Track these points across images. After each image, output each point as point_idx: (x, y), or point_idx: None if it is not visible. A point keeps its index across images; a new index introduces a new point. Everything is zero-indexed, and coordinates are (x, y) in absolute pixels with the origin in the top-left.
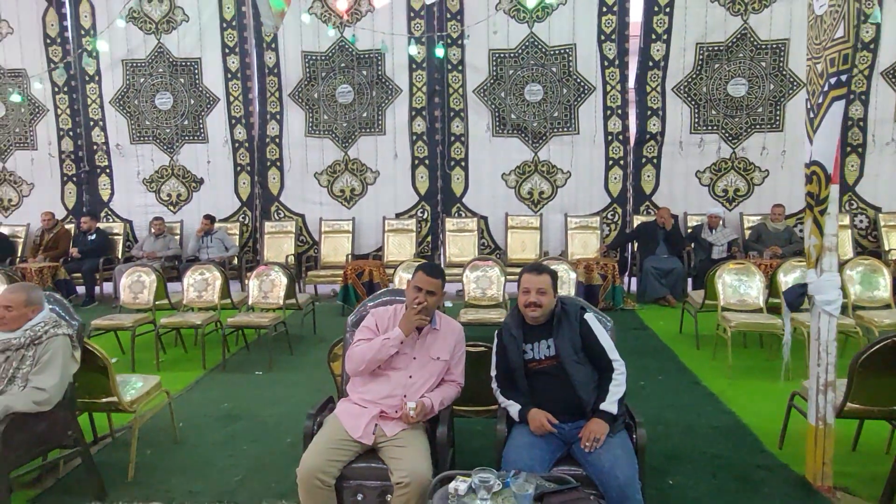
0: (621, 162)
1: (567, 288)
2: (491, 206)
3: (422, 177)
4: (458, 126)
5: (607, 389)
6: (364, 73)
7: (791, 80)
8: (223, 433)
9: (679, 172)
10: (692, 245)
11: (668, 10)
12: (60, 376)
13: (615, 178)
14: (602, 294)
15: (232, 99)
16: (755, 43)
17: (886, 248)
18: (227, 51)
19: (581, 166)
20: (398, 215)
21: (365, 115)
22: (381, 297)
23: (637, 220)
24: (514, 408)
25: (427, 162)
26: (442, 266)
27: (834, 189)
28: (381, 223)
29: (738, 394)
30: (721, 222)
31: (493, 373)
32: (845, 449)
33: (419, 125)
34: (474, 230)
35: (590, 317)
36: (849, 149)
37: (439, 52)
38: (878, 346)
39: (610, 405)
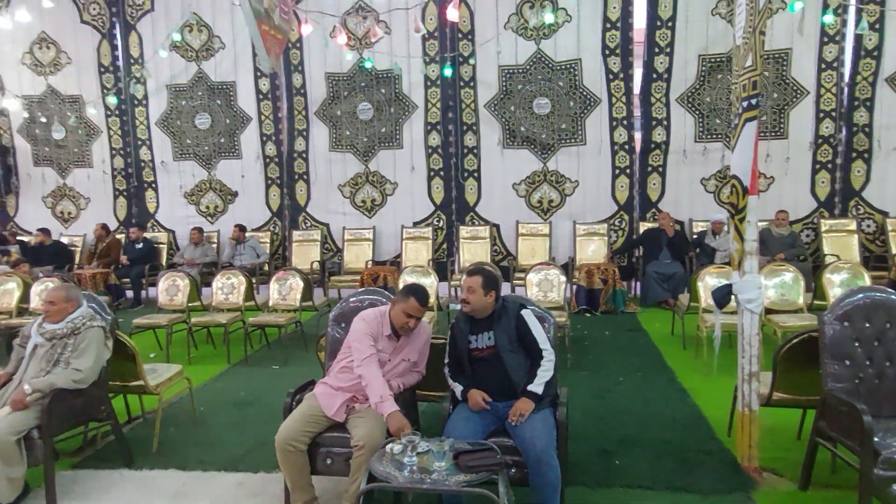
0: (627, 171)
1: (556, 291)
2: (502, 214)
3: (437, 187)
4: (470, 139)
5: (536, 374)
6: (382, 91)
7: (794, 88)
8: (236, 416)
9: (684, 180)
10: (696, 251)
11: (670, 23)
12: (95, 360)
13: (622, 187)
14: (603, 297)
15: (263, 118)
16: (762, 63)
17: (894, 253)
18: (258, 74)
19: (588, 175)
20: (415, 224)
21: (384, 130)
22: (360, 294)
23: (644, 227)
24: (458, 388)
25: (442, 173)
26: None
27: (752, 199)
28: (399, 231)
29: (707, 389)
30: (725, 228)
31: (446, 360)
32: (790, 436)
33: (434, 139)
34: (487, 237)
35: (526, 312)
36: (854, 154)
37: (447, 72)
38: (796, 340)
39: (536, 387)
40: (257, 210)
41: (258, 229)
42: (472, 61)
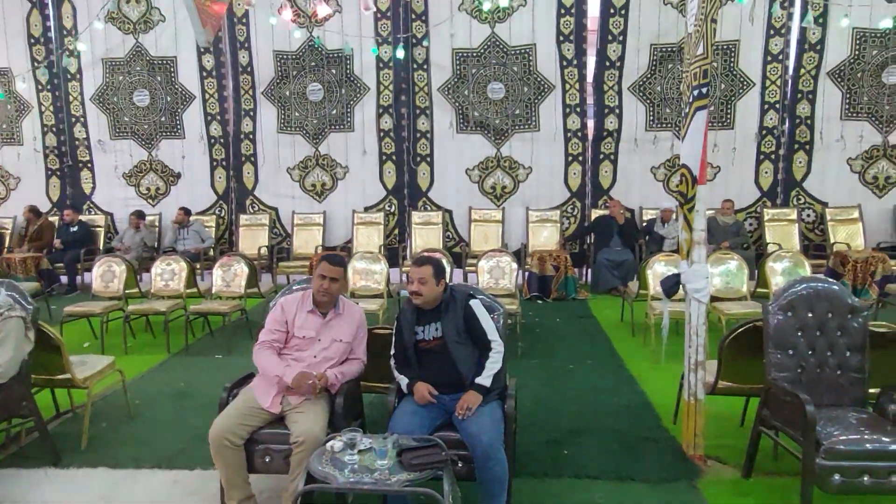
0: (580, 158)
1: (508, 278)
2: (455, 199)
3: (389, 172)
4: (423, 123)
5: (484, 366)
6: (333, 71)
7: (741, 79)
8: (174, 409)
9: (635, 168)
10: (646, 238)
11: (623, 12)
12: (13, 353)
13: (574, 174)
14: (555, 284)
15: (207, 96)
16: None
17: (832, 241)
18: (201, 50)
19: (542, 162)
20: (367, 209)
21: (335, 112)
22: (297, 284)
23: (595, 214)
24: (403, 381)
25: (394, 157)
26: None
27: (701, 189)
28: (350, 216)
29: (655, 376)
30: (674, 216)
31: (392, 351)
32: (734, 423)
33: (386, 122)
34: (439, 223)
35: (475, 303)
36: (797, 146)
37: (399, 53)
38: (740, 330)
39: (484, 379)
40: (202, 193)
41: (203, 213)
42: (425, 43)
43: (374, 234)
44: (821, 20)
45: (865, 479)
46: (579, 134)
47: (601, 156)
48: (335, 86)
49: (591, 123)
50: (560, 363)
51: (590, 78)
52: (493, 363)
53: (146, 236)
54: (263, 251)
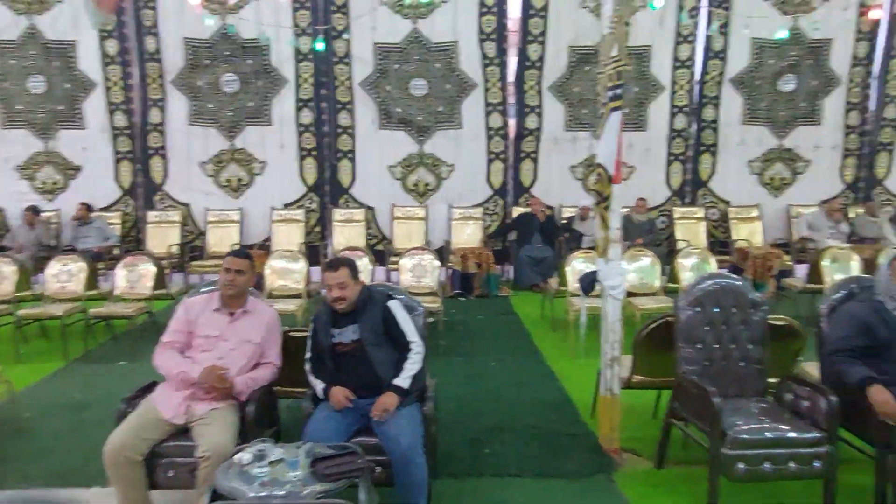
0: (502, 156)
1: (430, 276)
2: (378, 197)
3: (309, 168)
4: (345, 118)
5: (402, 367)
6: (249, 62)
7: (653, 83)
8: (70, 421)
9: (555, 167)
10: (566, 235)
11: (542, 13)
12: None
13: (496, 172)
14: (477, 282)
15: (111, 85)
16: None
17: (734, 238)
18: (104, 34)
19: (464, 160)
20: (286, 205)
21: (251, 104)
22: (204, 287)
23: (517, 212)
24: (319, 386)
25: (315, 153)
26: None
27: (616, 188)
28: (268, 213)
29: (574, 371)
30: (592, 214)
31: (307, 354)
32: (647, 415)
33: (306, 116)
34: (362, 220)
35: (393, 304)
36: (703, 147)
37: (319, 45)
38: (653, 325)
39: (402, 381)
40: (105, 187)
41: (107, 209)
42: (346, 36)
43: (294, 232)
44: (724, 30)
45: (767, 465)
46: (501, 132)
47: (522, 154)
48: (251, 77)
49: (512, 122)
50: (482, 360)
51: (511, 77)
52: (413, 364)
53: (42, 234)
54: (174, 250)
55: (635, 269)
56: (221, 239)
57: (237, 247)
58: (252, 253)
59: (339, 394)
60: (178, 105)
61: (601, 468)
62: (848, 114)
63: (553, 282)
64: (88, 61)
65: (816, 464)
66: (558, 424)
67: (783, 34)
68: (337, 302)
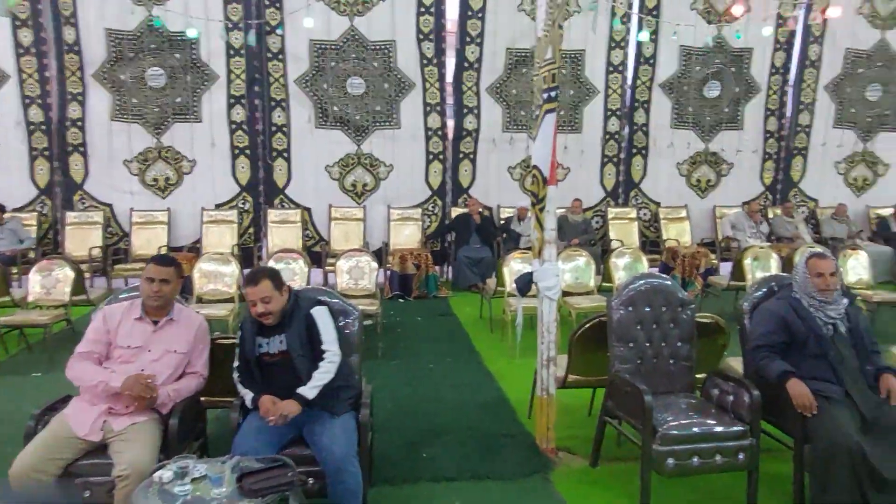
0: (441, 156)
1: (367, 278)
2: (315, 197)
3: (242, 167)
4: (279, 116)
5: (312, 376)
6: (177, 56)
7: (587, 87)
8: None
9: (493, 167)
10: (504, 236)
11: (480, 14)
12: None
13: (435, 172)
14: (416, 283)
15: (25, 77)
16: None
17: (664, 238)
18: (17, 23)
19: (403, 160)
20: (218, 206)
21: (179, 100)
22: (123, 293)
23: (455, 212)
24: (248, 395)
25: (248, 152)
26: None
27: (551, 190)
28: (199, 214)
29: (511, 372)
30: (529, 214)
31: (235, 363)
32: (582, 414)
33: (238, 113)
34: (298, 221)
35: (317, 310)
36: (635, 150)
37: (251, 39)
38: (588, 325)
39: (308, 391)
40: (19, 186)
41: (21, 209)
42: (279, 31)
43: (227, 234)
44: (654, 36)
45: (695, 460)
46: (440, 133)
47: (461, 155)
48: (179, 71)
49: (451, 123)
50: (421, 362)
51: (449, 78)
52: (323, 374)
53: None
54: (96, 252)
55: (570, 269)
56: (148, 241)
57: (164, 249)
58: (179, 256)
59: (269, 403)
60: (99, 100)
61: (538, 468)
62: (767, 119)
63: (491, 282)
64: (0, 51)
65: (741, 456)
66: (496, 425)
67: (708, 42)
68: (262, 317)
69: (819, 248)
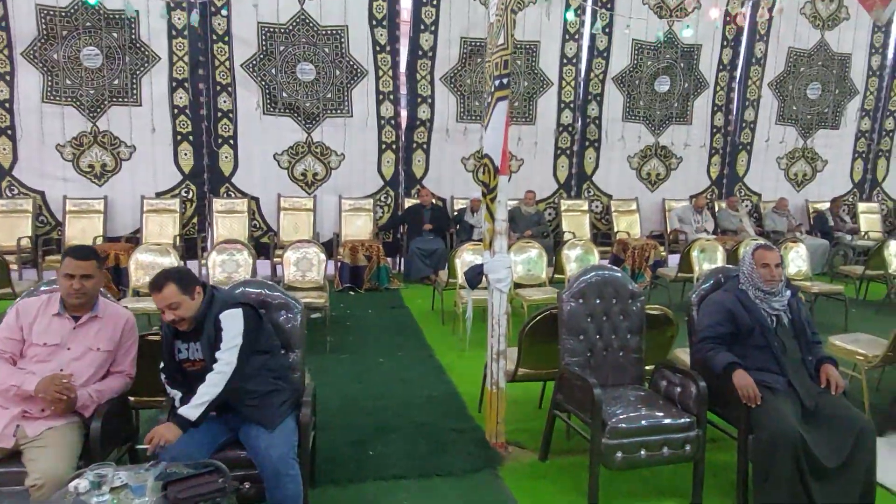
0: (394, 146)
1: (316, 270)
2: (262, 186)
3: (185, 154)
4: (225, 101)
5: (197, 391)
6: (114, 35)
7: (542, 78)
8: None
9: (446, 158)
10: (457, 227)
11: (434, 2)
12: None
13: (388, 162)
14: (367, 275)
15: None
16: (513, 43)
17: (616, 230)
18: None
19: (355, 149)
20: (159, 194)
21: (116, 82)
22: (43, 285)
23: (408, 203)
24: (177, 395)
25: (191, 138)
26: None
27: (502, 179)
28: (139, 203)
29: (462, 365)
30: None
31: (161, 364)
32: (532, 406)
33: (181, 98)
34: (245, 211)
35: (226, 314)
36: (587, 143)
37: (193, 19)
38: (538, 318)
39: (188, 410)
40: None
41: None
42: (224, 12)
43: (169, 224)
44: (607, 30)
45: (643, 453)
46: (392, 122)
47: (414, 144)
48: (117, 52)
49: (404, 112)
50: (370, 356)
51: (403, 66)
52: (209, 388)
53: None
54: (25, 243)
55: (523, 261)
56: (83, 230)
57: (100, 240)
58: (115, 246)
59: (160, 430)
60: (29, 80)
61: (487, 463)
62: (714, 115)
63: (443, 274)
64: None
65: (687, 448)
66: (445, 420)
67: (658, 36)
68: (175, 324)
69: (763, 241)
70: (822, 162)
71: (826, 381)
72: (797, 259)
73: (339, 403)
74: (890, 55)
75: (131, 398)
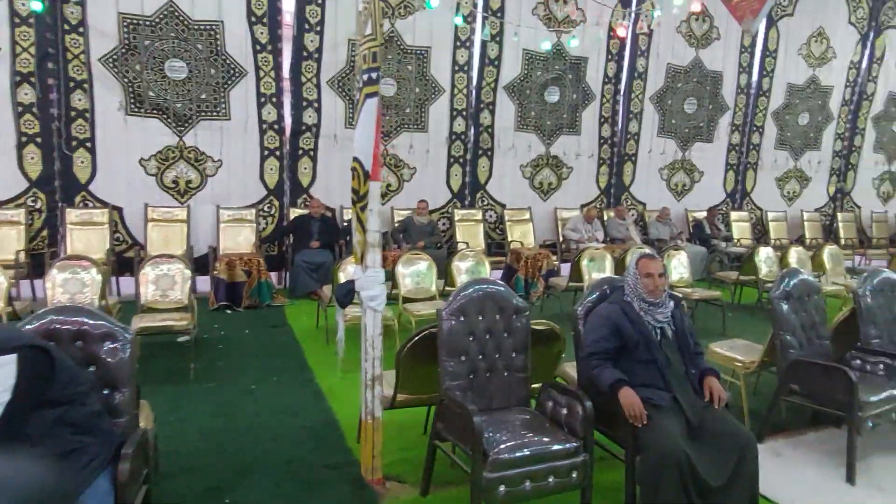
0: (277, 153)
1: (179, 288)
2: (127, 195)
3: (32, 157)
4: (80, 100)
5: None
6: None
7: (433, 85)
8: None
9: (335, 166)
10: (347, 238)
11: (320, 1)
12: None
13: (271, 169)
14: (247, 291)
15: None
16: (402, 47)
17: (510, 240)
18: None
19: (234, 155)
20: (1, 204)
21: None
22: None
23: (295, 213)
24: None
25: (39, 140)
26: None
27: (374, 185)
28: None
29: (344, 389)
30: None
31: None
32: (416, 433)
33: (27, 94)
34: (105, 223)
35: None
36: (480, 151)
37: (36, 5)
38: (417, 338)
39: None
40: None
41: None
42: (77, 0)
43: (13, 237)
44: (498, 38)
45: (527, 484)
46: (276, 126)
47: (300, 151)
48: None
49: (288, 116)
50: (241, 384)
51: (286, 68)
52: None
53: None
54: None
55: (412, 274)
56: None
57: None
58: None
59: None
60: None
61: (361, 503)
62: (602, 126)
63: (327, 289)
64: None
65: (574, 475)
66: (319, 456)
67: (547, 46)
68: None
69: (648, 250)
70: (698, 173)
71: (710, 395)
72: (679, 266)
73: (195, 443)
74: (755, 75)
75: None
